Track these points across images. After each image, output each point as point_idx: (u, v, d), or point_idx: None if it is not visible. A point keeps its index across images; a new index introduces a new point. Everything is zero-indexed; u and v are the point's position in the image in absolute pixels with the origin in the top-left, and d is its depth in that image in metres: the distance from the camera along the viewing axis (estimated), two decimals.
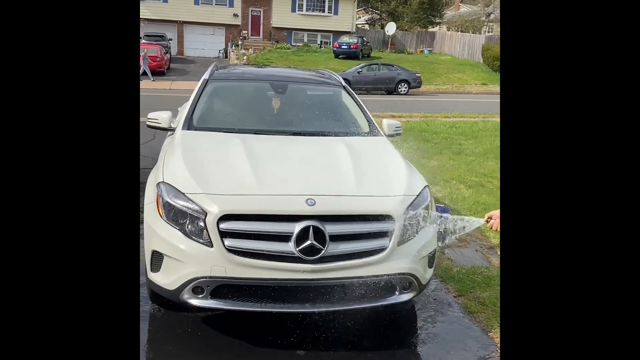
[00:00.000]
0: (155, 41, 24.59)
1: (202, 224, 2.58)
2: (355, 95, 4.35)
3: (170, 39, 29.15)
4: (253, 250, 2.57)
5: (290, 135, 3.67)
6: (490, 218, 2.39)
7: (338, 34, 31.51)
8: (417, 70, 22.73)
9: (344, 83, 4.51)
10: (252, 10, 32.46)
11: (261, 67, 5.50)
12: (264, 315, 2.91)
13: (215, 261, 2.56)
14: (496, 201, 5.73)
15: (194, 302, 2.62)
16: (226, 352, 2.73)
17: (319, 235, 2.58)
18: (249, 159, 2.99)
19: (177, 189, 2.70)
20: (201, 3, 30.90)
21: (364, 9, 43.24)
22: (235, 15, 31.50)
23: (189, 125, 3.62)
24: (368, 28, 40.89)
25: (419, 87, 21.78)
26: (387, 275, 2.73)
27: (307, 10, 32.31)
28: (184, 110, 3.88)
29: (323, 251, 2.58)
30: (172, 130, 3.73)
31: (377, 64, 22.31)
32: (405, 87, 21.27)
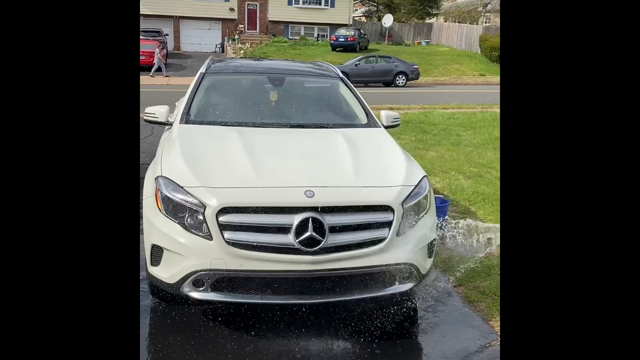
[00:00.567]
0: (151, 37, 24.46)
1: (201, 217, 2.58)
2: (353, 87, 4.34)
3: (167, 35, 29.01)
4: (253, 242, 2.58)
5: (288, 127, 3.66)
6: None
7: (335, 26, 31.37)
8: (414, 62, 22.66)
9: (341, 75, 4.50)
10: (248, 4, 32.30)
11: (258, 60, 5.47)
12: (264, 307, 2.91)
13: (215, 254, 2.56)
14: (495, 191, 5.74)
15: (195, 295, 2.63)
16: (226, 345, 2.74)
17: (318, 226, 2.58)
18: (247, 152, 2.99)
19: (175, 182, 2.70)
20: None
21: (360, 1, 43.03)
22: (232, 9, 31.34)
23: (186, 119, 3.61)
24: (365, 20, 40.74)
25: (417, 79, 21.72)
26: (387, 265, 2.74)
27: (303, 3, 32.15)
28: (181, 104, 3.87)
29: (322, 242, 2.58)
30: (170, 124, 3.73)
31: (374, 57, 22.24)
32: (403, 79, 21.22)
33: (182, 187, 2.66)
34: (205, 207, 2.56)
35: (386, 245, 2.72)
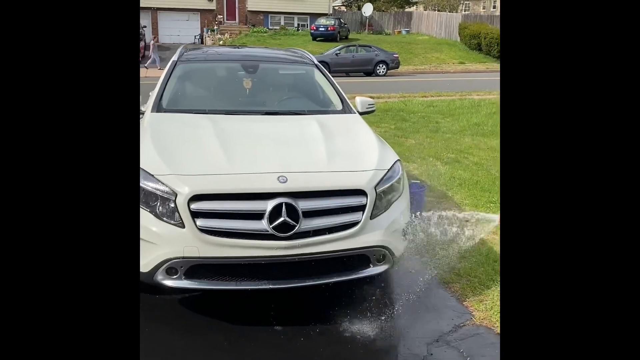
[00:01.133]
0: None
1: (172, 205, 2.56)
2: (328, 74, 4.33)
3: (145, 26, 28.52)
4: (226, 229, 2.57)
5: (262, 114, 3.64)
6: None
7: (315, 16, 31.18)
8: (395, 51, 22.68)
9: (316, 61, 4.48)
10: None
11: (233, 48, 5.42)
12: (241, 293, 2.92)
13: (187, 242, 2.55)
14: (472, 176, 5.81)
15: (168, 283, 2.62)
16: (204, 332, 2.74)
17: (292, 211, 2.58)
18: (219, 139, 2.97)
19: (146, 171, 2.67)
20: None
21: None
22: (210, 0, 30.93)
23: (158, 107, 3.57)
24: (345, 10, 40.53)
25: (397, 67, 21.76)
26: (361, 248, 2.76)
27: None
28: (154, 94, 3.83)
29: (296, 227, 2.59)
30: (142, 113, 3.68)
31: (355, 46, 22.19)
32: (384, 68, 21.23)
33: (152, 176, 2.64)
34: (176, 194, 2.55)
35: (360, 229, 2.74)
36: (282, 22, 32.63)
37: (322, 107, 3.93)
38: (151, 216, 2.60)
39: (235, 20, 32.20)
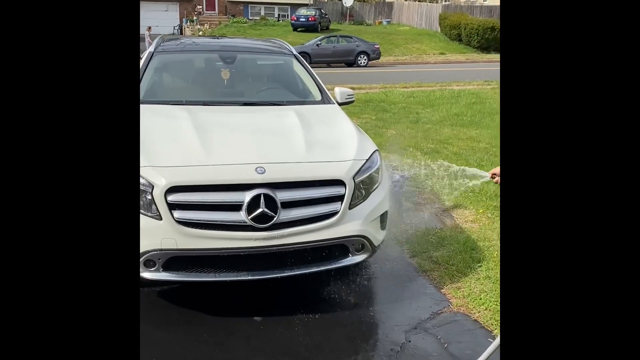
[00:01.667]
0: None
1: (149, 197, 2.54)
2: (307, 64, 4.32)
3: None
4: (204, 221, 2.56)
5: (240, 105, 3.62)
6: (495, 175, 2.37)
7: (295, 6, 30.97)
8: (376, 42, 22.68)
9: (295, 52, 4.46)
10: None
11: (211, 38, 5.36)
12: (220, 285, 2.91)
13: (165, 234, 2.54)
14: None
15: (146, 275, 2.60)
16: (183, 324, 2.73)
17: (271, 202, 2.58)
18: (197, 130, 2.95)
19: None
20: None
21: None
22: None
23: None
24: (326, 0, 40.33)
25: (378, 58, 21.78)
26: (340, 238, 2.78)
27: None
28: None
29: (275, 218, 2.59)
30: None
31: (335, 37, 22.13)
32: (365, 59, 21.23)
33: None
34: (153, 186, 2.52)
35: (339, 219, 2.75)
36: (263, 13, 32.37)
37: (300, 98, 3.92)
38: None
39: (214, 10, 31.82)
